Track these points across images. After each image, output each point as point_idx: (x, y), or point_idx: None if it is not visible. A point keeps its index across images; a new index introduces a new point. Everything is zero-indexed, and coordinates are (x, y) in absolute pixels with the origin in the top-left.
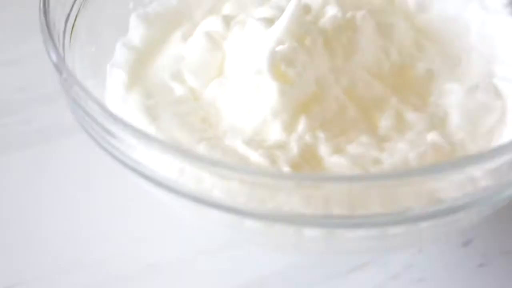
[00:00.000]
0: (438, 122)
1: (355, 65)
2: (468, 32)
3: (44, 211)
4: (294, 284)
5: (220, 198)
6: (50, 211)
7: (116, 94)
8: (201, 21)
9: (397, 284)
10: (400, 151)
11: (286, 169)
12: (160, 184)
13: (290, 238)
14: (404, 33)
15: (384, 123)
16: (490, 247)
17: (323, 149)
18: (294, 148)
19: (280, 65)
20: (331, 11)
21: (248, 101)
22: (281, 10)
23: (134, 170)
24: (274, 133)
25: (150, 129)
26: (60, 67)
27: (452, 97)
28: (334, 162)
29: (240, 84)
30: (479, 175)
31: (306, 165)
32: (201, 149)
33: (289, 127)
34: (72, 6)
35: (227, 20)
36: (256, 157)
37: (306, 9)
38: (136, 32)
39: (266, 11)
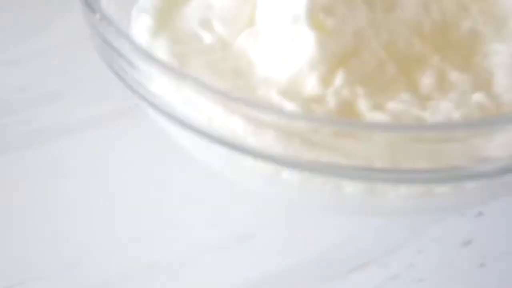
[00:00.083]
0: (483, 82)
1: (395, 20)
2: None
3: (44, 211)
4: (294, 284)
5: (256, 146)
6: (50, 211)
7: (141, 40)
8: None
9: (397, 284)
10: (444, 111)
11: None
12: (196, 130)
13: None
14: None
15: (426, 81)
16: (490, 247)
17: (362, 105)
18: (331, 101)
19: (319, 13)
20: None
21: (283, 52)
22: None
23: (169, 115)
24: (310, 85)
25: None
26: (94, 7)
27: (498, 58)
28: (374, 119)
29: (274, 34)
30: None
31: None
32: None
33: (326, 80)
34: None
35: None
36: (291, 107)
37: None
38: None
39: None
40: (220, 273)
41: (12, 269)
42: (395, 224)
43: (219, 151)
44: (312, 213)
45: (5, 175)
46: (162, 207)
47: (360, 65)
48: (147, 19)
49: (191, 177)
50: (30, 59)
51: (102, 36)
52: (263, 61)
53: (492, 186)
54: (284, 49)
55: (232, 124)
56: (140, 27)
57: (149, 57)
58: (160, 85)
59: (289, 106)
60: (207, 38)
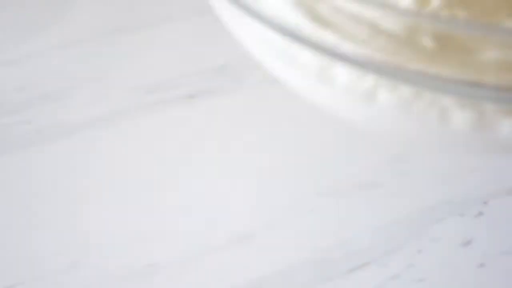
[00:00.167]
0: None
1: None
2: None
3: (44, 211)
4: (294, 284)
5: (356, 53)
6: (49, 211)
7: None
8: None
9: (397, 284)
10: None
11: (427, 40)
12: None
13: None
14: None
15: None
16: (490, 247)
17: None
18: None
19: None
20: None
21: None
22: None
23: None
24: (405, 4)
25: None
26: None
27: None
28: None
29: None
30: None
31: (451, 40)
32: None
33: (422, 0)
34: None
35: None
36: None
37: None
38: None
39: None
40: (220, 273)
41: (12, 269)
42: (395, 224)
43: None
44: (312, 213)
45: (5, 175)
46: (162, 207)
47: None
48: None
49: (191, 177)
50: (30, 59)
51: None
52: None
53: None
54: None
55: (330, 30)
56: None
57: None
58: None
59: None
60: None
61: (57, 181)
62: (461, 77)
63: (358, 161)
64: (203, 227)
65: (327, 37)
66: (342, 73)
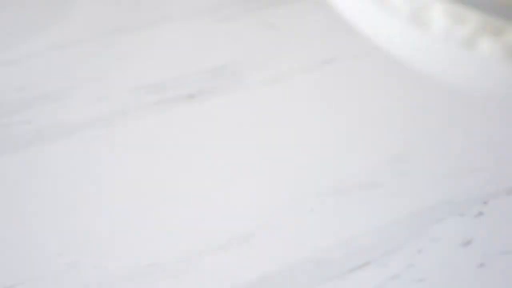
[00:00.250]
0: None
1: None
2: None
3: (44, 211)
4: (294, 284)
5: None
6: (49, 211)
7: None
8: None
9: (397, 284)
10: None
11: None
12: None
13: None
14: None
15: None
16: (490, 247)
17: None
18: None
19: None
20: None
21: None
22: None
23: None
24: None
25: None
26: None
27: None
28: None
29: None
30: None
31: None
32: None
33: None
34: None
35: None
36: None
37: None
38: None
39: None
40: (220, 273)
41: (12, 269)
42: (395, 224)
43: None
44: (312, 213)
45: (5, 175)
46: (162, 207)
47: None
48: None
49: (191, 177)
50: (30, 59)
51: None
52: None
53: None
54: None
55: None
56: None
57: None
58: None
59: None
60: None
61: (57, 181)
62: None
63: (358, 161)
64: (203, 227)
65: None
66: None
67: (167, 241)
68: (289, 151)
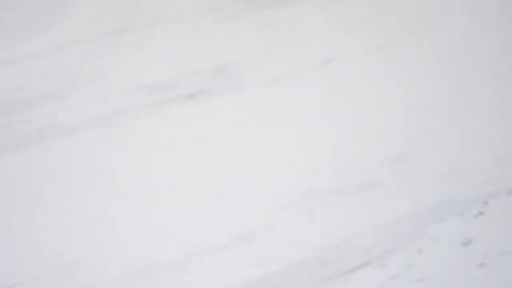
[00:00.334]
0: None
1: None
2: None
3: (44, 211)
4: (294, 284)
5: None
6: (50, 211)
7: None
8: None
9: (397, 284)
10: None
11: None
12: None
13: None
14: None
15: None
16: (490, 247)
17: None
18: None
19: None
20: None
21: None
22: None
23: None
24: None
25: None
26: None
27: None
28: None
29: None
30: None
31: None
32: None
33: None
34: None
35: None
36: None
37: None
38: None
39: None
40: (220, 273)
41: (12, 269)
42: (395, 224)
43: None
44: (312, 213)
45: (5, 175)
46: (162, 207)
47: None
48: None
49: (191, 177)
50: (30, 59)
51: None
52: None
53: None
54: None
55: None
56: None
57: None
58: None
59: None
60: None
61: (57, 181)
62: None
63: (358, 161)
64: (203, 227)
65: None
66: None
67: (167, 241)
68: (289, 151)
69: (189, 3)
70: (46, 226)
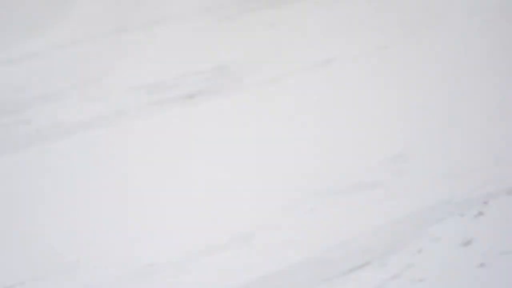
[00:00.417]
0: None
1: None
2: None
3: (44, 211)
4: (294, 284)
5: None
6: (50, 211)
7: None
8: None
9: (397, 284)
10: None
11: None
12: None
13: None
14: None
15: None
16: (490, 247)
17: None
18: None
19: None
20: None
21: None
22: None
23: None
24: None
25: None
26: None
27: None
28: None
29: None
30: None
31: None
32: None
33: None
34: None
35: None
36: None
37: None
38: None
39: None
40: (220, 273)
41: (12, 269)
42: (395, 224)
43: None
44: (312, 213)
45: (5, 175)
46: (162, 207)
47: None
48: None
49: (190, 177)
50: (30, 59)
51: None
52: None
53: None
54: None
55: None
56: None
57: None
58: None
59: None
60: None
61: (57, 181)
62: None
63: (358, 161)
64: (203, 227)
65: None
66: None
67: (167, 241)
68: (289, 151)
69: (189, 3)
70: (46, 226)
